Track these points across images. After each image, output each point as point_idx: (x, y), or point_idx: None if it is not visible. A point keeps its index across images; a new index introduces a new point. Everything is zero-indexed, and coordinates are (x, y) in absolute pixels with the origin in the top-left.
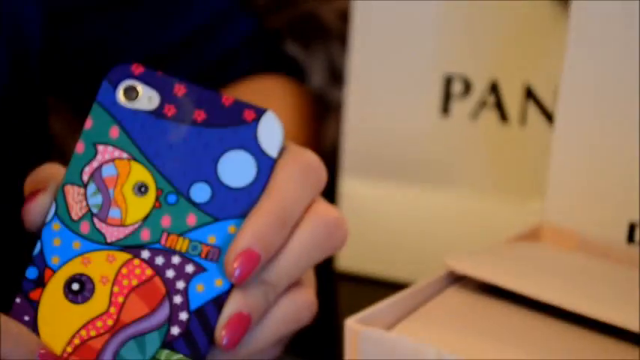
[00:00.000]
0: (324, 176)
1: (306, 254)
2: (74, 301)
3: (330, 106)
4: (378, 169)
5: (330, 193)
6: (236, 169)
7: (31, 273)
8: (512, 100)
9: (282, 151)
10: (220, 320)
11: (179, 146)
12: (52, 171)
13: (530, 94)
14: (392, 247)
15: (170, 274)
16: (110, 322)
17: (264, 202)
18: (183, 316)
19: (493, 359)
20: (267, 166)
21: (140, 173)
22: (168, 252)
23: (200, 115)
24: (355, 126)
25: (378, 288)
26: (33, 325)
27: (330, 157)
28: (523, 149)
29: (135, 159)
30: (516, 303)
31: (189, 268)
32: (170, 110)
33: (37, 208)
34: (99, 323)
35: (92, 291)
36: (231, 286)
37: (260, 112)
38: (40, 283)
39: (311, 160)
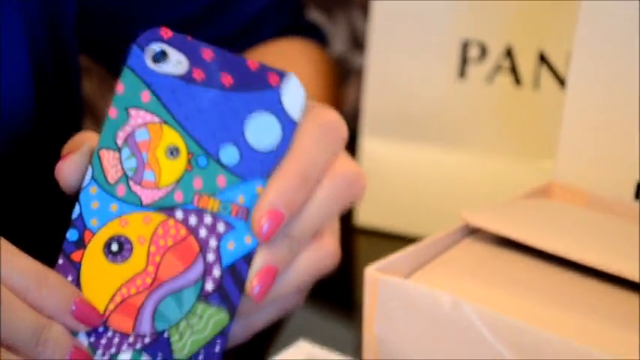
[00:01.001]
0: (345, 133)
1: (327, 208)
2: (114, 261)
3: (351, 71)
4: (396, 129)
5: (350, 154)
6: (262, 131)
7: (72, 235)
8: (526, 64)
9: (304, 112)
10: (250, 274)
11: (208, 110)
12: (85, 135)
13: (543, 59)
14: (409, 204)
15: (203, 233)
16: (148, 280)
17: (287, 163)
18: (217, 272)
19: (506, 307)
20: (290, 128)
21: (172, 137)
22: (201, 212)
23: (227, 79)
24: (375, 89)
25: (396, 242)
26: (76, 285)
27: (351, 118)
28: (536, 112)
29: (166, 123)
30: (528, 255)
31: (221, 227)
32: (199, 74)
33: (69, 168)
34: (138, 281)
35: (130, 251)
36: (259, 244)
37: (283, 76)
38: (81, 244)
39: (332, 118)
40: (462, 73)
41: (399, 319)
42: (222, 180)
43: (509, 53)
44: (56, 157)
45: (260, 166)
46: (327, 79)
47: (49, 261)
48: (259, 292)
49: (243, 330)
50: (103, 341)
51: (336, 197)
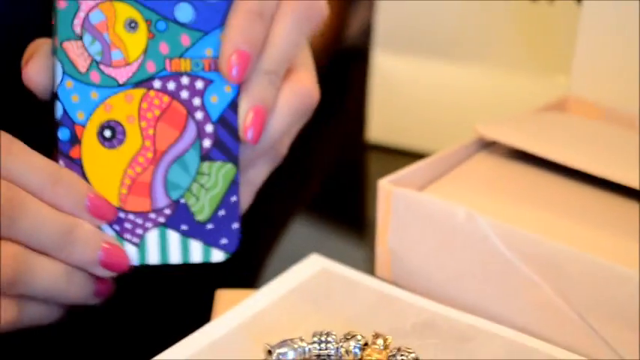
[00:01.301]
0: None
1: (291, 34)
2: (111, 147)
3: None
4: (410, 45)
5: (363, 70)
6: None
7: (64, 134)
8: None
9: None
10: (240, 119)
11: None
12: (39, 40)
13: None
14: (422, 120)
15: (185, 94)
16: (150, 155)
17: (237, 3)
18: (209, 128)
19: (520, 219)
20: None
21: (125, 10)
22: (176, 75)
23: None
24: (388, 4)
25: (408, 158)
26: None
27: (362, 36)
28: (551, 26)
29: None
30: (542, 168)
31: (199, 84)
32: None
33: (35, 70)
34: (140, 159)
35: (123, 132)
36: (239, 87)
37: None
38: (76, 140)
39: None
40: None
41: (413, 231)
42: (185, 39)
43: None
44: None
45: (216, 15)
46: None
47: None
48: (253, 134)
49: (246, 191)
50: (128, 226)
51: (297, 21)
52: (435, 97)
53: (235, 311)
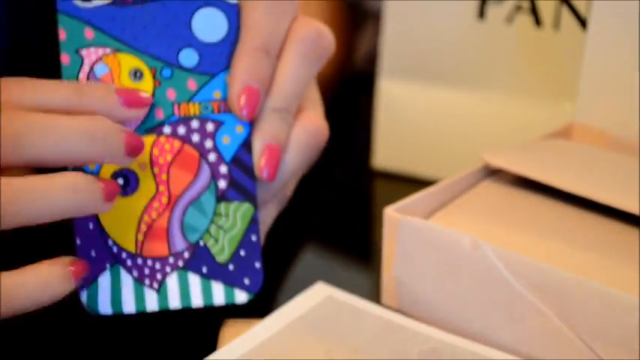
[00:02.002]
0: (295, 1)
1: (300, 70)
2: (125, 195)
3: (367, 15)
4: (415, 71)
5: (368, 96)
6: (208, 25)
7: None
8: (547, 4)
9: None
10: (255, 158)
11: (151, 24)
12: None
13: (564, 0)
14: (427, 147)
15: (196, 138)
16: (165, 200)
17: (243, 41)
18: (223, 168)
19: (526, 247)
20: (233, 11)
21: (129, 61)
22: (186, 120)
23: None
24: (394, 30)
25: (413, 185)
26: (100, 230)
27: (367, 62)
28: (556, 53)
29: (119, 50)
30: (547, 196)
31: (210, 127)
32: None
33: None
34: (156, 205)
35: (137, 180)
36: (251, 126)
37: None
38: None
39: None
40: (482, 13)
41: (419, 260)
42: (192, 83)
43: None
44: None
45: (221, 57)
46: (338, 20)
47: None
48: (269, 172)
49: (262, 230)
50: (147, 272)
51: (307, 57)
52: (441, 123)
53: (241, 340)
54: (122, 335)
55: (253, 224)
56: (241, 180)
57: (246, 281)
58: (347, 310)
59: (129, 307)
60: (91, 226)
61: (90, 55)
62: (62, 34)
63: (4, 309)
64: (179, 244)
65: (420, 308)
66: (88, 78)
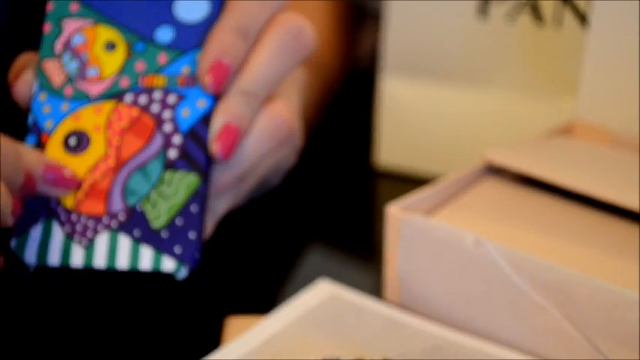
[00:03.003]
0: None
1: (276, 60)
2: (74, 154)
3: (368, 14)
4: (417, 69)
5: (369, 95)
6: (190, 6)
7: (30, 140)
8: (548, 2)
9: None
10: (211, 132)
11: (135, 3)
12: (28, 56)
13: None
14: (430, 145)
15: (155, 108)
16: (111, 163)
17: (221, 21)
18: (177, 139)
19: (528, 244)
20: None
21: (106, 33)
22: (149, 90)
23: None
24: (396, 28)
25: (415, 183)
26: None
27: (368, 61)
28: (558, 50)
29: (99, 22)
30: (549, 193)
31: (171, 99)
32: None
33: (22, 85)
34: (101, 166)
35: (88, 141)
36: (214, 104)
37: None
38: (40, 147)
39: None
40: (484, 11)
41: (421, 258)
42: (163, 57)
43: None
44: None
45: (196, 36)
46: (339, 20)
47: None
48: (222, 149)
49: (207, 219)
50: (78, 228)
51: (283, 48)
52: (443, 121)
53: (245, 337)
54: (125, 331)
55: (196, 196)
56: (193, 152)
57: (177, 250)
58: (350, 307)
59: (54, 259)
60: None
61: (70, 25)
62: (50, 6)
63: None
64: (116, 205)
65: (423, 305)
66: (63, 45)
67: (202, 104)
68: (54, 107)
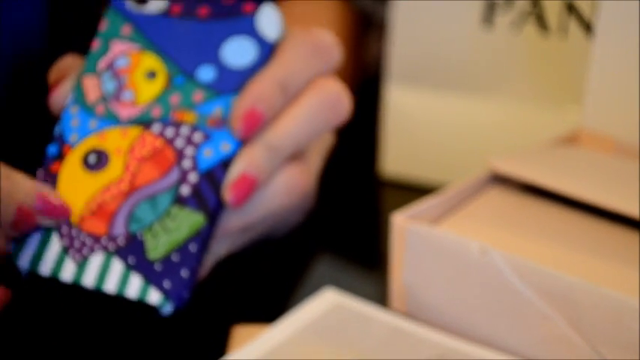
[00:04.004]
0: (335, 54)
1: (308, 122)
2: (90, 171)
3: (374, 23)
4: (423, 78)
5: (374, 104)
6: (238, 52)
7: (52, 150)
8: (554, 11)
9: (287, 34)
10: (228, 178)
11: (185, 38)
12: (71, 61)
13: (570, 6)
14: (435, 154)
15: (179, 143)
16: (124, 188)
17: (265, 70)
18: (193, 177)
19: (534, 253)
20: (266, 49)
21: (150, 61)
22: (178, 124)
23: (203, 11)
24: (401, 37)
25: (421, 192)
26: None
27: (373, 69)
28: (563, 59)
29: (145, 49)
30: (554, 202)
31: (197, 137)
32: (176, 9)
33: (60, 95)
34: (113, 189)
35: (107, 161)
36: (236, 151)
37: (259, 4)
38: (60, 157)
39: (320, 38)
40: (489, 20)
41: (427, 267)
42: (198, 95)
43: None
44: None
45: (236, 82)
46: (346, 29)
47: None
48: (235, 196)
49: (206, 261)
50: (76, 244)
51: (318, 113)
52: (448, 130)
53: (251, 346)
54: (131, 339)
55: (198, 236)
56: (206, 193)
57: (167, 284)
58: (356, 316)
59: (45, 269)
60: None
61: (118, 47)
62: (103, 25)
63: None
64: (118, 229)
65: (428, 314)
66: (107, 65)
67: (226, 148)
68: (82, 122)
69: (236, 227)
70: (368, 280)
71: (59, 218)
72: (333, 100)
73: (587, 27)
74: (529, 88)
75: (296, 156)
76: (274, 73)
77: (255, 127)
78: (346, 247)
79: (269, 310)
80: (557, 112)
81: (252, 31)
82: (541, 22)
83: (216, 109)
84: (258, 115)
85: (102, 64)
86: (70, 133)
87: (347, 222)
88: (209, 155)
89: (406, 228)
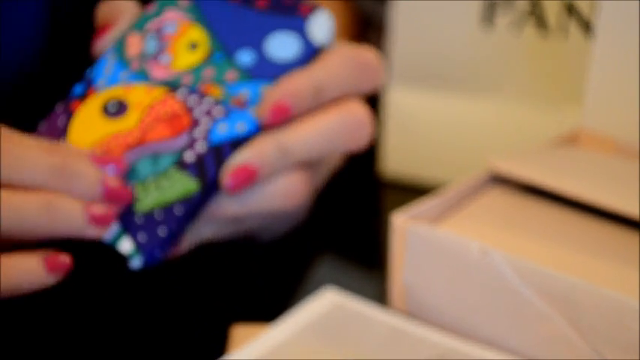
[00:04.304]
0: (376, 76)
1: (327, 136)
2: (107, 117)
3: (373, 24)
4: (424, 79)
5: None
6: (282, 45)
7: (78, 88)
8: (554, 12)
9: (335, 45)
10: (232, 161)
11: (237, 22)
12: (123, 6)
13: (570, 7)
14: (436, 154)
15: (198, 112)
16: (132, 140)
17: (306, 69)
18: (200, 146)
19: (534, 254)
20: (311, 49)
21: (196, 34)
22: (202, 95)
23: (262, 3)
24: (402, 37)
25: (421, 192)
26: (64, 130)
27: None
28: (563, 60)
29: (195, 22)
30: (554, 202)
31: (217, 111)
32: None
33: (105, 42)
34: (122, 138)
35: (125, 111)
36: (250, 135)
37: (315, 8)
38: (83, 97)
39: (367, 57)
40: (489, 20)
41: (427, 267)
42: (232, 74)
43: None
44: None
45: (272, 72)
46: (348, 30)
47: None
48: (232, 184)
49: (188, 238)
50: None
51: (339, 132)
52: (448, 130)
53: (251, 346)
54: (131, 339)
55: (187, 202)
56: (208, 166)
57: (141, 238)
58: (356, 316)
59: None
60: (60, 123)
61: (170, 13)
62: None
63: None
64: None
65: (428, 314)
66: (155, 28)
67: (241, 128)
68: (114, 71)
69: (226, 214)
70: (368, 280)
71: (123, 204)
72: (357, 126)
73: (587, 27)
74: (529, 89)
75: (303, 165)
76: (314, 74)
77: (279, 119)
78: (347, 247)
79: (269, 310)
80: (557, 112)
81: (301, 31)
82: (541, 22)
83: (244, 91)
84: (287, 109)
85: (151, 25)
86: (99, 77)
87: (347, 222)
88: (223, 130)
89: (406, 228)
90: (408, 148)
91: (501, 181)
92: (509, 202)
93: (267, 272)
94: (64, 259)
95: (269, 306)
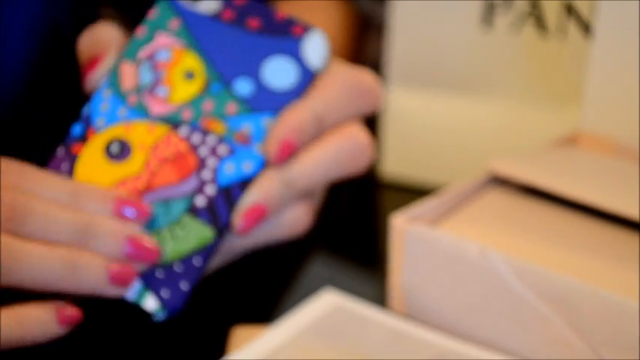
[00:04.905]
0: (375, 99)
1: (329, 166)
2: (111, 160)
3: (372, 25)
4: (422, 80)
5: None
6: (279, 73)
7: (76, 130)
8: (553, 12)
9: (331, 66)
10: (242, 204)
11: (230, 45)
12: (109, 35)
13: (569, 7)
14: (435, 155)
15: (203, 151)
16: (140, 185)
17: (307, 98)
18: (210, 190)
19: (533, 255)
20: (308, 76)
21: (191, 61)
22: (205, 132)
23: (254, 24)
24: (401, 38)
25: (420, 193)
26: (69, 175)
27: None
28: (562, 61)
29: (189, 48)
30: (554, 204)
31: (222, 150)
32: (228, 15)
33: (97, 75)
34: (129, 184)
35: (129, 154)
36: (258, 172)
37: (308, 29)
38: (83, 139)
39: (364, 80)
40: (488, 21)
41: (426, 268)
42: (232, 107)
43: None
44: (52, 124)
45: (272, 102)
46: (346, 31)
47: None
48: (243, 226)
49: None
50: None
51: (340, 160)
52: (448, 132)
53: (250, 348)
54: (131, 341)
55: (204, 250)
56: (220, 209)
57: (164, 294)
58: (355, 318)
59: None
60: (64, 167)
61: (162, 39)
62: (152, 13)
63: None
64: None
65: (427, 316)
66: (147, 55)
67: (248, 167)
68: (112, 108)
69: (235, 250)
70: (367, 281)
71: (149, 263)
72: (357, 152)
73: (586, 28)
74: (529, 90)
75: (306, 193)
76: (314, 105)
77: (287, 156)
78: (346, 249)
79: (269, 311)
80: (557, 114)
81: (296, 55)
82: (540, 23)
83: (246, 126)
84: (293, 146)
85: (143, 52)
86: (97, 116)
87: (347, 223)
88: (230, 171)
89: (406, 229)
90: (407, 149)
91: (501, 182)
92: (508, 203)
93: (267, 274)
94: (75, 311)
95: (268, 308)
